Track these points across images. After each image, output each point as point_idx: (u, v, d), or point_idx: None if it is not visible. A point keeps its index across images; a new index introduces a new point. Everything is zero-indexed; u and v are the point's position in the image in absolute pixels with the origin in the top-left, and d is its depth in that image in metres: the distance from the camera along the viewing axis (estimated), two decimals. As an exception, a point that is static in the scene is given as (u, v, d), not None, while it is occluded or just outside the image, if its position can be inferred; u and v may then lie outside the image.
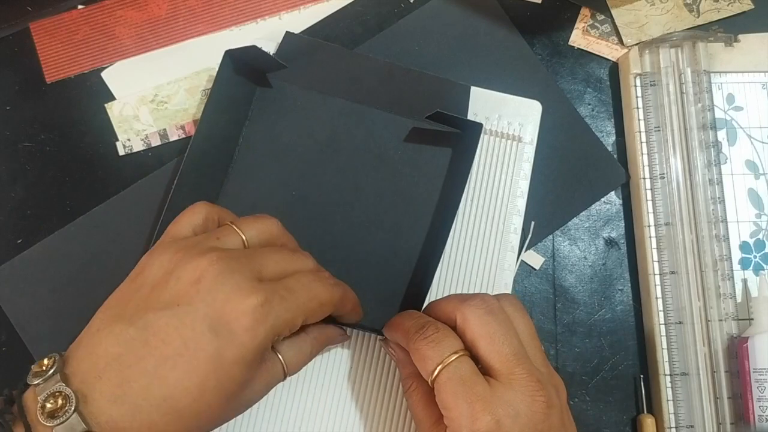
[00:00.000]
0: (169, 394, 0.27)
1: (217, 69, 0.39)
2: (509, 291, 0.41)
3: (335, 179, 0.41)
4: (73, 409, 0.26)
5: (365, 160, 0.41)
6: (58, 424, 0.25)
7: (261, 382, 0.31)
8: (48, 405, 0.26)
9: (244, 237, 0.32)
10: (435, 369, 0.30)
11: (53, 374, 0.27)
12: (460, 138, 0.42)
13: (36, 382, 0.27)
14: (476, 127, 0.40)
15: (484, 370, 0.30)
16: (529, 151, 0.42)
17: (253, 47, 0.39)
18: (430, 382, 0.30)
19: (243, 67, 0.41)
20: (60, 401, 0.26)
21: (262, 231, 0.33)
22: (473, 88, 0.42)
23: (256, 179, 0.41)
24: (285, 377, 0.33)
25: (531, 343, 0.31)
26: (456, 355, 0.30)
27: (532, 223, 0.42)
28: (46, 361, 0.27)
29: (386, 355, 0.39)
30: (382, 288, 0.40)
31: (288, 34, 0.42)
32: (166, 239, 0.32)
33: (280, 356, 0.32)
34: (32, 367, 0.28)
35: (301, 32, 0.44)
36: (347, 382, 0.39)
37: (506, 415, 0.28)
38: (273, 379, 0.32)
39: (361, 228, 0.41)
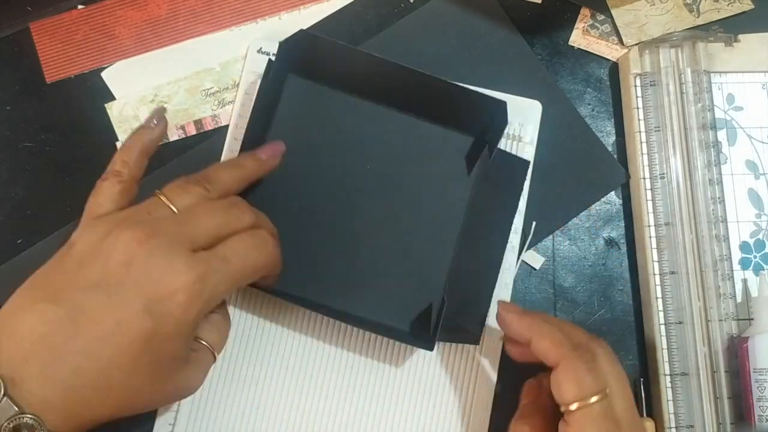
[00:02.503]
0: (102, 372, 0.27)
1: (216, 68, 0.39)
2: (509, 290, 0.40)
3: (361, 179, 0.40)
4: (2, 393, 0.25)
5: (395, 164, 0.41)
6: None
7: (195, 370, 0.31)
8: None
9: (174, 208, 0.31)
10: (575, 402, 0.29)
11: None
12: (498, 168, 0.40)
13: None
14: (523, 165, 0.40)
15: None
16: (529, 151, 0.42)
17: (302, 33, 0.38)
18: (565, 409, 0.29)
19: (293, 61, 0.40)
20: None
21: (193, 196, 0.32)
22: (472, 88, 0.42)
23: (278, 174, 0.40)
24: (215, 359, 0.33)
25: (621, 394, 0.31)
26: (598, 396, 0.29)
27: (533, 223, 0.42)
28: None
29: (381, 357, 0.39)
30: (404, 291, 0.39)
31: (309, 35, 0.40)
32: (88, 217, 0.31)
33: (204, 343, 0.32)
34: None
35: (301, 32, 0.44)
36: (349, 384, 0.39)
37: None
38: (206, 365, 0.32)
39: (386, 229, 0.40)
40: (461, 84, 0.39)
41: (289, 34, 0.43)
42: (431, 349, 0.36)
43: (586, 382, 0.29)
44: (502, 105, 0.38)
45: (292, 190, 0.40)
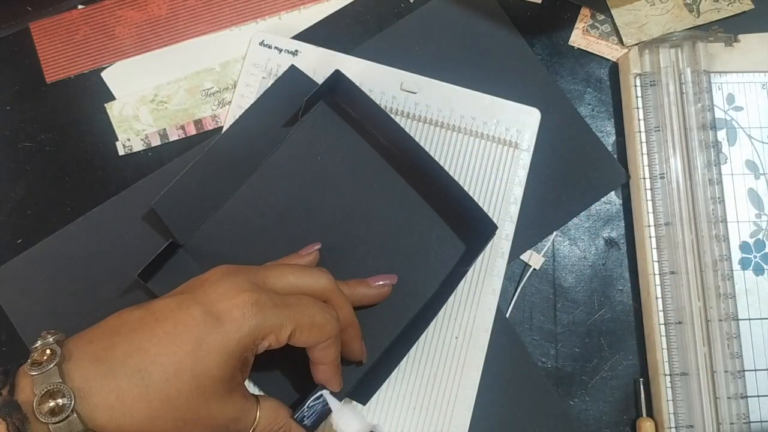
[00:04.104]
0: (144, 367, 0.28)
1: (216, 68, 0.39)
2: (497, 296, 0.40)
3: (350, 217, 0.40)
4: (54, 364, 0.27)
5: (378, 225, 0.40)
6: (40, 373, 0.27)
7: (233, 411, 0.31)
8: (35, 356, 0.27)
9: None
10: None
11: (51, 341, 0.29)
12: (338, 97, 0.42)
13: (36, 345, 0.28)
14: (336, 76, 0.39)
15: None
16: (525, 158, 0.42)
17: (337, 72, 0.39)
18: None
19: (301, 86, 0.41)
20: (49, 353, 0.27)
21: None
22: (472, 92, 0.42)
23: (273, 193, 0.40)
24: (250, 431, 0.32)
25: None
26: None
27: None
28: (48, 352, 0.28)
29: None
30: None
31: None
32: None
33: (258, 411, 0.32)
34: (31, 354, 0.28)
35: (301, 32, 0.44)
36: None
37: None
38: (243, 421, 0.31)
39: (365, 267, 0.40)
40: (465, 188, 0.39)
41: (290, 35, 0.43)
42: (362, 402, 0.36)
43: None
44: (493, 226, 0.39)
45: (276, 208, 0.40)
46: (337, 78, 0.40)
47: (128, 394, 0.27)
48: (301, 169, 0.41)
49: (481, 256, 0.40)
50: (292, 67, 0.42)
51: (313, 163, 0.41)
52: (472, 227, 0.40)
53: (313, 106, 0.41)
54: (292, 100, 0.41)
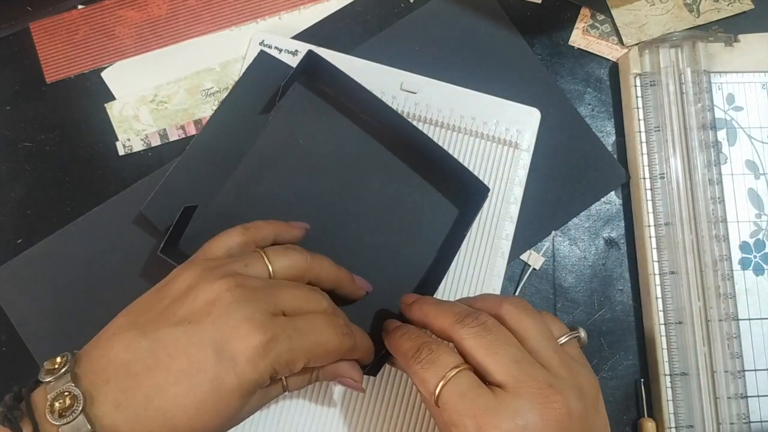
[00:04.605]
0: (168, 408, 0.27)
1: (216, 68, 0.39)
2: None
3: (335, 201, 0.40)
4: (80, 409, 0.26)
5: (372, 200, 0.40)
6: (65, 424, 0.26)
7: (257, 403, 0.31)
8: (57, 404, 0.26)
9: (271, 268, 0.32)
10: (436, 389, 0.28)
11: (64, 373, 0.27)
12: (311, 77, 0.41)
13: (47, 379, 0.27)
14: (309, 56, 0.39)
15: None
16: (525, 158, 0.42)
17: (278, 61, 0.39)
18: (434, 405, 0.29)
19: (274, 71, 0.41)
20: (68, 401, 0.26)
21: (291, 265, 0.33)
22: (472, 92, 0.42)
23: (260, 183, 0.41)
24: (283, 391, 0.33)
25: (544, 345, 0.29)
26: (456, 370, 0.28)
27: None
28: (59, 360, 0.28)
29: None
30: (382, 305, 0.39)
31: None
32: (198, 257, 0.33)
33: (283, 380, 0.32)
34: (44, 364, 0.28)
35: (301, 32, 0.44)
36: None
37: (515, 426, 0.26)
38: (269, 398, 0.32)
39: (362, 245, 0.40)
40: (453, 155, 0.39)
41: (290, 35, 0.43)
42: (374, 374, 0.36)
43: (427, 377, 0.29)
44: (484, 188, 0.39)
45: (273, 200, 0.40)
46: (312, 58, 0.39)
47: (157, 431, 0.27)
48: (285, 154, 0.41)
49: (479, 257, 0.40)
50: (262, 53, 0.41)
51: (296, 146, 0.41)
52: (463, 191, 0.40)
53: (288, 89, 0.41)
54: (268, 87, 0.41)
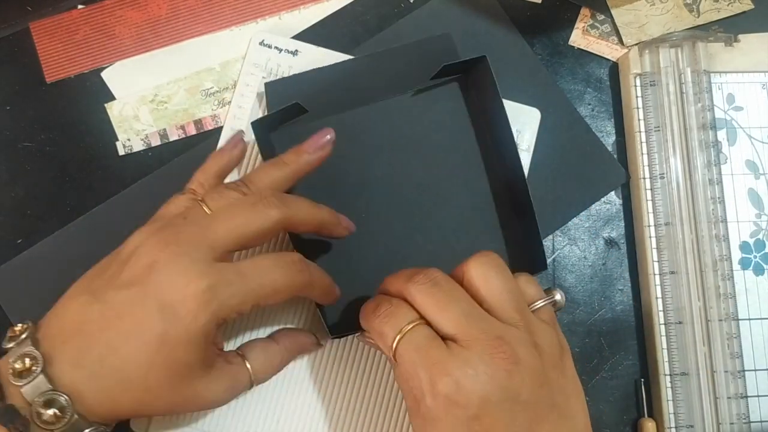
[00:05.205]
0: (121, 366, 0.28)
1: (216, 68, 0.39)
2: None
3: (379, 179, 0.40)
4: (39, 369, 0.27)
5: (398, 150, 0.41)
6: (26, 384, 0.27)
7: (222, 383, 0.31)
8: (17, 366, 0.28)
9: (209, 213, 0.32)
10: (393, 343, 0.29)
11: (25, 339, 0.29)
12: (470, 81, 0.41)
13: (9, 345, 0.29)
14: (482, 62, 0.39)
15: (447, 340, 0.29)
16: (525, 158, 0.42)
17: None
18: (393, 360, 0.30)
19: (446, 54, 0.41)
20: (28, 362, 0.28)
21: (230, 201, 0.32)
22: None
23: (365, 134, 0.41)
24: (251, 385, 0.33)
25: (507, 304, 0.29)
26: (412, 324, 0.29)
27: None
28: (19, 327, 0.29)
29: (366, 350, 0.39)
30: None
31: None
32: (153, 218, 0.34)
33: (247, 363, 0.33)
34: (7, 332, 0.30)
35: (300, 32, 0.44)
36: (326, 380, 0.39)
37: (465, 375, 0.27)
38: (237, 383, 0.32)
39: (410, 243, 0.40)
40: (403, 44, 0.40)
41: (290, 35, 0.43)
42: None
43: (385, 330, 0.29)
44: (445, 37, 0.39)
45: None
46: (484, 64, 0.39)
47: (114, 390, 0.28)
48: (400, 124, 0.41)
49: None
50: (447, 35, 0.41)
51: (416, 123, 0.41)
52: (524, 255, 0.39)
53: (446, 75, 0.41)
54: (430, 63, 0.40)
